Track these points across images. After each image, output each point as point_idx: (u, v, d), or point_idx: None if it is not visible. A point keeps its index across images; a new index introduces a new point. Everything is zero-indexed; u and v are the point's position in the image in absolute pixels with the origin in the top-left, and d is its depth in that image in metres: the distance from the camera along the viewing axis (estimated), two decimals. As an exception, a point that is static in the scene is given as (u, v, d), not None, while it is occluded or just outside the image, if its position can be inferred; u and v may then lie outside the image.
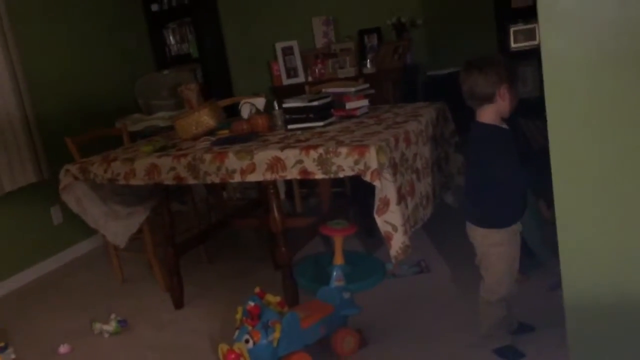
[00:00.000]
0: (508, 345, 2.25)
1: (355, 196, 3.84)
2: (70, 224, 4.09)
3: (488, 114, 2.13)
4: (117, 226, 3.18)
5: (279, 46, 4.86)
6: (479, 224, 2.20)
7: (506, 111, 2.13)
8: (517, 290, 2.31)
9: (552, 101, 1.61)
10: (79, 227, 3.60)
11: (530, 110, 3.91)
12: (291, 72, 4.87)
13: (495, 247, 2.17)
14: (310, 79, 4.77)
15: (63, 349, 2.83)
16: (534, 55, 4.08)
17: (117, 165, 2.82)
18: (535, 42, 4.00)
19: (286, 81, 4.87)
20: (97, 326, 2.94)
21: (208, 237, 3.55)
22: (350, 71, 4.58)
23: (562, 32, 1.52)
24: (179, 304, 3.13)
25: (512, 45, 4.09)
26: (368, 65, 4.53)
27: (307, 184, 4.57)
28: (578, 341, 1.76)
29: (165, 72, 4.94)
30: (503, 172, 2.09)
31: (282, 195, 4.73)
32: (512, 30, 4.06)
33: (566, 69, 1.56)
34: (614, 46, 1.48)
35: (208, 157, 2.59)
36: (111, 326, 2.92)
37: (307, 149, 2.40)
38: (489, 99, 2.11)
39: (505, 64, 2.12)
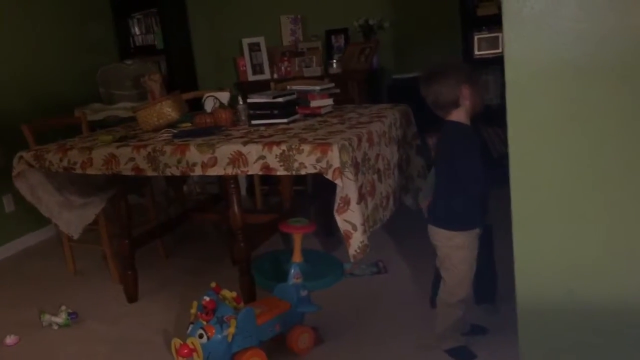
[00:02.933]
0: (461, 346, 2.29)
1: (316, 195, 3.84)
2: (22, 212, 3.97)
3: (458, 116, 2.16)
4: (71, 216, 3.10)
5: (245, 42, 4.83)
6: (443, 225, 2.22)
7: (476, 107, 2.16)
8: (472, 292, 2.35)
9: (513, 108, 1.64)
10: (32, 216, 3.50)
11: (492, 117, 3.99)
12: (257, 68, 4.84)
13: (457, 249, 2.20)
14: (276, 76, 4.75)
15: (10, 340, 2.74)
16: (496, 63, 4.16)
17: (74, 153, 2.76)
18: (499, 51, 4.08)
19: (252, 77, 4.85)
20: (46, 318, 2.86)
21: (166, 231, 3.50)
22: (316, 70, 4.58)
23: (526, 39, 1.55)
24: (132, 297, 3.07)
25: (476, 52, 4.16)
26: (334, 65, 4.54)
27: (268, 181, 4.55)
28: (529, 344, 1.79)
29: (129, 62, 4.85)
30: (470, 171, 2.11)
31: (243, 192, 4.70)
32: (476, 37, 4.14)
33: (528, 76, 1.59)
34: (576, 55, 1.51)
35: (169, 149, 2.56)
36: (61, 318, 2.85)
37: (270, 144, 2.39)
38: (454, 104, 2.15)
39: (460, 66, 2.17)
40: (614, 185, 1.58)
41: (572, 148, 1.61)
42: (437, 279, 2.47)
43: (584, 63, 1.51)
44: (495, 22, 4.01)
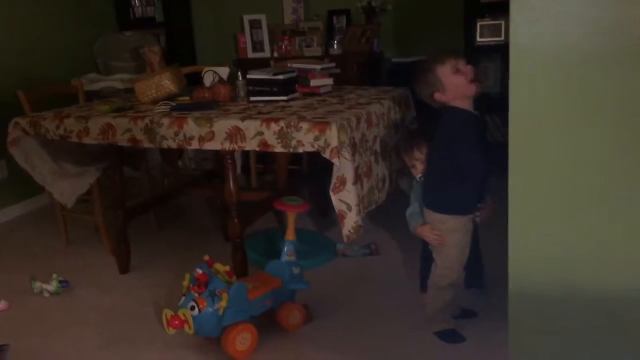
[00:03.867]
0: (450, 329, 2.31)
1: (312, 175, 3.84)
2: (15, 179, 3.95)
3: (455, 102, 2.16)
4: (66, 185, 3.09)
5: (246, 18, 4.79)
6: (437, 208, 2.23)
7: (464, 89, 2.14)
8: (463, 277, 2.37)
9: (516, 94, 1.63)
10: (26, 184, 3.48)
11: (491, 105, 3.98)
12: (257, 45, 4.80)
13: (450, 233, 2.21)
14: (276, 54, 4.72)
15: (0, 305, 2.74)
16: (497, 51, 4.16)
17: (70, 122, 2.74)
18: (501, 38, 4.07)
19: (251, 54, 4.81)
20: (37, 285, 2.86)
21: (159, 204, 3.50)
22: (316, 50, 4.55)
23: (533, 24, 1.54)
24: (124, 269, 3.08)
25: (478, 39, 4.15)
26: (335, 46, 4.51)
27: (264, 159, 4.54)
28: (519, 329, 1.81)
29: (128, 33, 4.81)
30: (466, 156, 2.12)
31: (238, 170, 4.68)
32: (479, 24, 4.11)
33: (533, 62, 1.58)
34: (584, 42, 1.50)
35: (166, 121, 2.54)
36: (52, 286, 2.85)
37: (269, 121, 2.38)
38: (437, 89, 2.16)
39: (435, 57, 2.19)
40: (615, 176, 1.59)
41: (574, 137, 1.60)
42: (424, 264, 2.50)
43: (592, 51, 1.50)
44: (498, 9, 4.00)
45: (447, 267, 2.25)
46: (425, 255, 2.51)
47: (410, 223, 2.38)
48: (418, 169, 2.39)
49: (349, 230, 2.36)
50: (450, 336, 2.29)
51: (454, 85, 2.13)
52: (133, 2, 5.12)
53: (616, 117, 1.54)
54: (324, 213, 3.66)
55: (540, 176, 1.68)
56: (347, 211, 2.35)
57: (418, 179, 2.39)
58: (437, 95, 2.17)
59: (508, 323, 1.81)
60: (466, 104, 2.16)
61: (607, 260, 1.66)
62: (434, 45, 2.30)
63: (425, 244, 2.50)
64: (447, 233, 2.22)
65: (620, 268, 1.65)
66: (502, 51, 4.10)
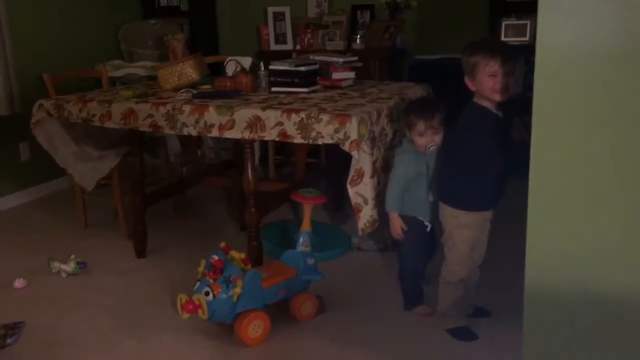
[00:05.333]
0: (462, 327, 2.30)
1: (329, 169, 3.85)
2: (38, 161, 4.01)
3: (477, 99, 2.16)
4: (86, 168, 3.13)
5: (270, 10, 4.80)
6: (451, 203, 2.22)
7: (489, 93, 2.11)
8: (479, 276, 2.36)
9: (540, 93, 1.61)
10: (47, 166, 3.53)
11: (513, 105, 3.95)
12: (280, 38, 4.81)
13: (460, 228, 2.21)
14: (298, 47, 4.73)
15: (18, 283, 2.79)
16: (521, 51, 4.12)
17: (93, 105, 2.77)
18: (525, 39, 4.03)
19: (274, 46, 4.82)
20: (56, 265, 2.90)
21: (177, 191, 3.53)
22: (339, 44, 4.55)
23: (561, 22, 1.52)
24: (141, 253, 3.11)
25: (502, 39, 4.11)
26: (357, 41, 4.50)
27: (282, 152, 4.56)
28: (533, 328, 1.80)
29: (152, 21, 4.85)
30: (480, 153, 2.12)
31: (257, 161, 4.71)
32: (504, 24, 4.09)
33: (560, 60, 1.56)
34: (615, 42, 1.49)
35: (188, 108, 2.56)
36: (70, 266, 2.89)
37: (289, 112, 2.39)
38: (469, 74, 2.15)
39: (464, 56, 2.14)
40: (635, 177, 1.57)
41: (597, 138, 1.59)
42: (405, 281, 2.56)
43: (620, 52, 1.48)
44: (524, 9, 3.97)
45: (457, 264, 2.24)
46: (406, 273, 2.55)
47: (389, 200, 2.38)
48: (428, 138, 2.34)
49: (365, 224, 2.36)
50: (463, 334, 2.29)
51: (481, 83, 2.12)
52: (158, -9, 5.17)
53: (641, 119, 1.53)
54: (340, 207, 3.67)
55: (562, 176, 1.66)
56: (363, 205, 2.35)
57: (428, 150, 2.35)
58: (466, 78, 2.15)
59: (522, 323, 1.80)
60: (487, 104, 2.15)
61: (626, 261, 1.64)
62: (457, 43, 2.28)
63: (404, 260, 2.55)
64: (457, 228, 2.21)
65: (638, 268, 1.63)
66: (526, 51, 4.07)
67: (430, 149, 2.35)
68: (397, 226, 2.41)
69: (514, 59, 2.13)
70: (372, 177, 2.34)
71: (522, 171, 1.83)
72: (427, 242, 2.50)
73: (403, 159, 2.40)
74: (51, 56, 4.19)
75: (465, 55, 2.14)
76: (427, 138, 2.34)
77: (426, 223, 2.45)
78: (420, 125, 2.33)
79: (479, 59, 2.09)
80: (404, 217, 2.42)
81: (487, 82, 2.09)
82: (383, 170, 2.50)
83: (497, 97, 2.11)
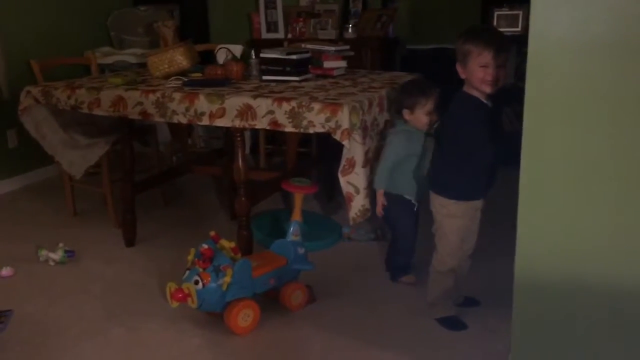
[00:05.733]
0: (452, 316, 2.31)
1: (321, 158, 3.83)
2: (25, 149, 3.97)
3: (467, 88, 2.15)
4: (75, 155, 3.10)
5: (262, -2, 4.76)
6: (440, 192, 2.22)
7: (478, 84, 2.09)
8: (469, 266, 2.36)
9: (532, 82, 1.61)
10: (35, 154, 3.49)
11: (504, 96, 3.94)
12: (271, 26, 4.78)
13: (450, 218, 2.20)
14: (290, 36, 4.70)
15: (5, 272, 2.77)
16: (513, 41, 4.09)
17: (82, 92, 2.74)
18: (518, 29, 4.03)
19: (265, 35, 4.79)
20: (44, 253, 2.88)
21: (167, 180, 3.51)
22: (331, 33, 4.52)
23: (553, 10, 1.51)
24: (130, 242, 3.09)
25: (495, 29, 4.10)
26: (349, 30, 4.48)
27: (273, 141, 4.54)
28: (522, 318, 1.80)
29: (142, 8, 4.79)
30: (470, 142, 2.11)
31: (247, 150, 4.68)
32: (496, 14, 4.08)
33: (552, 49, 1.55)
34: (606, 30, 1.48)
35: (178, 96, 2.54)
36: (58, 255, 2.87)
37: (280, 100, 2.37)
38: (461, 61, 2.13)
39: (464, 40, 2.12)
40: (629, 169, 1.57)
41: (590, 128, 1.58)
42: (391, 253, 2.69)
43: (614, 41, 1.48)
44: (517, -1, 3.96)
45: (447, 254, 2.24)
46: (397, 244, 2.67)
47: (377, 178, 2.45)
48: (433, 117, 2.45)
49: (356, 213, 2.36)
50: (452, 323, 2.29)
51: (472, 72, 2.10)
52: (149, -22, 5.10)
53: (635, 109, 1.52)
54: (331, 196, 3.66)
55: (553, 167, 1.66)
56: (354, 194, 2.35)
57: (434, 128, 2.44)
58: (458, 65, 2.14)
59: (512, 313, 1.81)
60: (477, 93, 2.13)
61: (616, 254, 1.65)
62: (449, 33, 2.26)
63: (396, 233, 2.64)
64: (447, 218, 2.21)
65: (628, 262, 1.64)
66: (518, 42, 4.06)
67: (435, 126, 2.46)
68: (379, 203, 2.50)
69: (507, 51, 2.10)
70: (364, 166, 2.33)
71: (513, 161, 1.83)
72: (416, 220, 2.61)
73: (394, 139, 2.48)
74: (40, 43, 4.13)
75: (459, 41, 2.12)
76: (433, 117, 2.45)
77: (414, 202, 2.55)
78: (430, 105, 2.44)
79: (472, 48, 2.07)
80: (394, 195, 2.51)
81: (477, 72, 2.08)
82: (375, 160, 2.50)
83: (486, 89, 2.09)
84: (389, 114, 2.67)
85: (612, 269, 1.66)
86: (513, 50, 4.14)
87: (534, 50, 1.58)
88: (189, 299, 2.15)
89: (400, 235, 2.62)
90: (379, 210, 2.50)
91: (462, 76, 2.13)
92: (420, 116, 2.45)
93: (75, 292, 2.63)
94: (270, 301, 2.41)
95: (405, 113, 2.47)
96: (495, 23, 4.10)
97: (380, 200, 2.49)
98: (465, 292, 2.44)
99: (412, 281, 2.62)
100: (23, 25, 4.05)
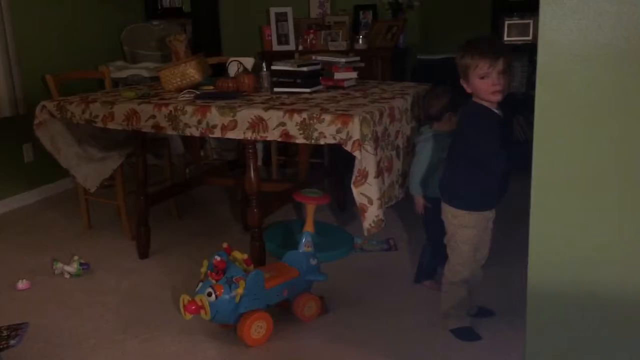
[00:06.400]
0: (466, 327, 2.29)
1: (333, 169, 3.84)
2: (41, 163, 4.02)
3: (476, 98, 2.15)
4: (89, 169, 3.13)
5: (273, 11, 4.80)
6: (451, 202, 2.22)
7: (485, 95, 2.09)
8: (482, 276, 2.35)
9: (542, 90, 1.61)
10: (50, 168, 3.54)
11: (516, 105, 3.94)
12: (282, 38, 4.81)
13: (462, 228, 2.20)
14: (301, 48, 4.72)
15: (22, 284, 2.79)
16: (524, 51, 4.12)
17: (96, 106, 2.77)
18: (528, 38, 4.03)
19: (276, 47, 4.82)
20: (59, 266, 2.91)
21: (181, 192, 3.53)
22: (341, 45, 4.54)
23: (563, 18, 1.52)
24: (144, 254, 3.11)
25: (505, 38, 4.11)
26: (360, 41, 4.49)
27: (285, 152, 4.56)
28: (537, 329, 1.79)
29: (155, 23, 4.85)
30: (481, 152, 2.10)
31: (260, 162, 4.71)
32: (507, 23, 4.08)
33: (562, 57, 1.55)
34: (616, 39, 1.48)
35: (190, 109, 2.56)
36: (73, 267, 2.89)
37: (292, 112, 2.38)
38: (462, 77, 2.15)
39: (459, 58, 2.14)
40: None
41: (600, 137, 1.58)
42: (425, 255, 2.70)
43: (623, 48, 1.48)
44: (527, 8, 3.96)
45: (460, 264, 2.23)
46: (428, 248, 2.69)
47: (412, 185, 2.57)
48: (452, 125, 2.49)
49: (370, 224, 2.35)
50: (466, 334, 2.28)
51: (475, 86, 2.11)
52: (161, -8, 5.18)
53: (644, 117, 1.52)
54: (343, 207, 3.67)
55: (564, 176, 1.65)
56: (368, 205, 2.34)
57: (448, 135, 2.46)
58: (462, 80, 2.15)
59: (525, 323, 1.80)
60: (486, 103, 2.13)
61: (629, 262, 1.63)
62: (460, 42, 2.28)
63: (429, 237, 2.65)
64: (459, 228, 2.20)
65: (641, 270, 1.63)
66: (529, 51, 4.07)
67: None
68: (419, 206, 2.61)
69: (505, 57, 2.07)
70: (376, 177, 2.33)
71: (525, 170, 1.83)
72: None
73: (425, 146, 2.56)
74: (54, 58, 4.20)
75: (457, 57, 2.14)
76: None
77: None
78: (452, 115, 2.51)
79: (469, 61, 2.08)
80: (431, 199, 2.55)
81: (479, 84, 2.08)
82: (387, 170, 2.50)
83: (494, 98, 2.09)
84: (414, 121, 2.79)
85: (626, 276, 1.65)
86: (524, 58, 4.15)
87: (543, 59, 1.58)
88: (202, 311, 2.15)
89: (434, 236, 2.62)
90: (421, 211, 2.61)
91: (468, 90, 2.14)
92: (447, 122, 2.53)
93: (90, 305, 2.65)
94: (283, 312, 2.41)
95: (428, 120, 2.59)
96: (505, 32, 4.10)
97: (420, 203, 2.59)
98: (479, 303, 2.42)
99: (434, 287, 2.62)
100: (38, 40, 4.11)
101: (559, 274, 1.73)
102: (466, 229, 2.20)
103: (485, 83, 2.07)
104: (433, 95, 2.62)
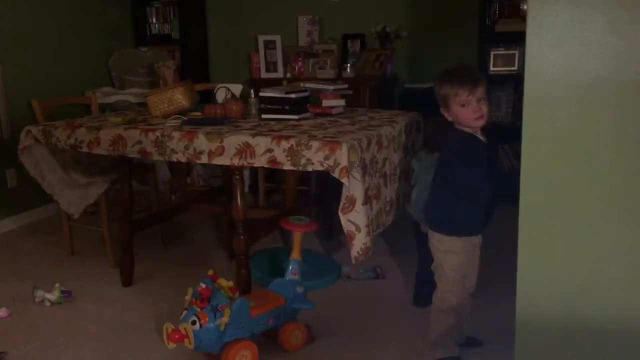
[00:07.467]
0: (454, 357, 2.26)
1: (320, 196, 3.83)
2: (24, 188, 3.97)
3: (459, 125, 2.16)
4: (73, 195, 3.09)
5: (261, 39, 4.83)
6: (436, 228, 2.21)
7: (467, 122, 2.11)
8: (471, 305, 2.33)
9: (529, 118, 1.62)
10: (34, 193, 3.49)
11: (502, 134, 3.98)
12: (271, 66, 4.84)
13: (448, 254, 2.18)
14: (289, 75, 4.75)
15: (1, 313, 2.73)
16: (510, 81, 4.17)
17: (82, 132, 2.75)
18: (514, 68, 4.08)
19: (265, 74, 4.84)
20: (39, 294, 2.84)
21: (166, 218, 3.49)
22: (329, 73, 4.57)
23: (548, 48, 1.54)
24: (127, 281, 3.06)
25: (491, 68, 4.16)
26: (348, 69, 4.53)
27: (272, 179, 4.54)
28: (524, 358, 1.77)
29: (144, 49, 4.87)
30: (466, 177, 2.11)
31: (246, 189, 4.68)
32: (492, 53, 4.13)
33: (547, 85, 1.57)
34: (599, 69, 1.50)
35: (177, 135, 2.55)
36: (54, 295, 2.83)
37: (279, 138, 2.38)
38: (443, 106, 2.16)
39: (440, 84, 2.15)
40: (627, 208, 1.56)
41: (587, 166, 1.59)
42: (420, 277, 2.61)
43: (608, 78, 1.50)
44: (512, 39, 4.02)
45: (448, 291, 2.21)
46: (422, 269, 2.59)
47: (417, 214, 2.44)
48: None
49: (358, 252, 2.34)
50: (454, 364, 2.25)
51: (456, 114, 2.12)
52: (150, 20, 5.19)
53: (631, 147, 1.53)
54: (330, 235, 3.64)
55: (551, 205, 1.66)
56: (356, 232, 2.33)
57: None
58: (442, 110, 2.17)
59: (514, 353, 1.78)
60: (468, 129, 2.14)
61: (617, 292, 1.63)
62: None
63: (420, 259, 2.58)
64: (445, 255, 2.19)
65: (630, 300, 1.62)
66: (514, 81, 4.12)
67: None
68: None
69: (483, 84, 2.11)
70: (364, 204, 2.32)
71: (511, 198, 1.83)
72: None
73: (426, 173, 2.43)
74: (42, 83, 4.18)
75: (436, 87, 2.17)
76: None
77: None
78: None
79: (448, 90, 2.11)
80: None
81: (460, 112, 2.11)
82: (375, 198, 2.49)
83: (476, 124, 2.11)
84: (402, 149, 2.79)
85: (614, 307, 1.64)
86: (509, 88, 4.20)
87: (530, 89, 1.60)
88: (186, 340, 2.11)
89: (428, 261, 2.50)
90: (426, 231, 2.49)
91: (449, 119, 2.16)
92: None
93: (72, 334, 2.59)
94: (268, 341, 2.37)
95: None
96: (491, 62, 4.15)
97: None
98: (467, 332, 2.40)
99: None
100: (25, 65, 4.10)
101: (547, 305, 1.72)
102: (453, 255, 2.18)
103: (466, 111, 2.09)
104: (437, 124, 2.57)
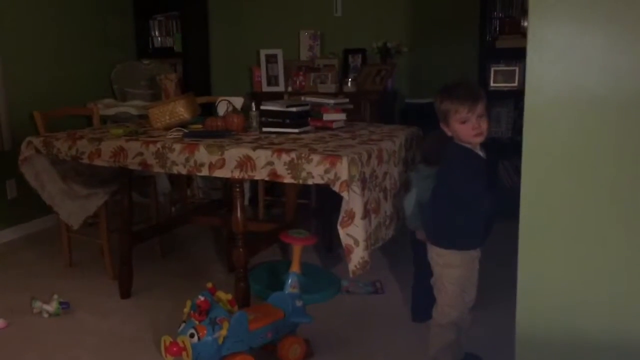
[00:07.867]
0: (453, 373, 2.25)
1: (320, 210, 3.83)
2: (24, 199, 3.96)
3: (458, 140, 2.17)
4: (73, 206, 3.09)
5: (263, 52, 4.86)
6: (435, 242, 2.21)
7: (467, 138, 2.12)
8: (470, 320, 2.32)
9: (529, 134, 1.63)
10: (34, 204, 3.49)
11: (502, 150, 3.99)
12: (272, 80, 4.86)
13: (448, 268, 2.18)
14: (290, 89, 4.77)
15: (-2, 323, 2.72)
16: (510, 97, 4.19)
17: (83, 143, 2.76)
18: (514, 84, 4.10)
19: (266, 88, 4.87)
20: (37, 305, 2.83)
21: (165, 230, 3.49)
22: (330, 87, 4.59)
23: (549, 64, 1.55)
24: (125, 294, 3.05)
25: (492, 84, 4.18)
26: (349, 84, 4.55)
27: (272, 192, 4.54)
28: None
29: (146, 62, 4.89)
30: (465, 192, 2.11)
31: (246, 202, 4.68)
32: (493, 69, 4.15)
33: (548, 102, 1.58)
34: (599, 85, 1.51)
35: (178, 147, 2.56)
36: (52, 307, 2.82)
37: (280, 151, 2.38)
38: (442, 121, 2.17)
39: (440, 100, 2.15)
40: (628, 223, 1.56)
41: (588, 181, 1.59)
42: (416, 290, 2.62)
43: (609, 94, 1.50)
44: (513, 55, 4.04)
45: (448, 305, 2.20)
46: (418, 282, 2.59)
47: (413, 224, 2.42)
48: None
49: (355, 266, 2.33)
50: (454, 380, 2.23)
51: (455, 130, 2.13)
52: (153, 33, 5.23)
53: (631, 163, 1.53)
54: (330, 249, 3.64)
55: (551, 220, 1.66)
56: (354, 246, 2.33)
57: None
58: (442, 125, 2.18)
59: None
60: (468, 145, 2.15)
61: (618, 308, 1.63)
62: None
63: (416, 273, 2.59)
64: (445, 268, 2.19)
65: (631, 316, 1.61)
66: (515, 97, 4.13)
67: None
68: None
69: (483, 101, 2.12)
70: (363, 218, 2.32)
71: (510, 214, 1.83)
72: None
73: (422, 181, 2.41)
74: (43, 94, 4.19)
75: (436, 102, 2.18)
76: None
77: None
78: None
79: (449, 106, 2.11)
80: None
81: (460, 128, 2.11)
82: (375, 212, 2.49)
83: (476, 140, 2.12)
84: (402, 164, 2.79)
85: (615, 323, 1.64)
86: (509, 104, 4.22)
87: (530, 105, 1.60)
88: (184, 353, 2.10)
89: (425, 273, 2.47)
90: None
91: (449, 134, 2.17)
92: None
93: (69, 345, 2.57)
94: (267, 355, 2.35)
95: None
96: (492, 78, 4.17)
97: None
98: (466, 348, 2.38)
99: None
100: (27, 76, 4.11)
101: (547, 321, 1.72)
102: (452, 269, 2.18)
103: (465, 127, 2.10)
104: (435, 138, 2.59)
